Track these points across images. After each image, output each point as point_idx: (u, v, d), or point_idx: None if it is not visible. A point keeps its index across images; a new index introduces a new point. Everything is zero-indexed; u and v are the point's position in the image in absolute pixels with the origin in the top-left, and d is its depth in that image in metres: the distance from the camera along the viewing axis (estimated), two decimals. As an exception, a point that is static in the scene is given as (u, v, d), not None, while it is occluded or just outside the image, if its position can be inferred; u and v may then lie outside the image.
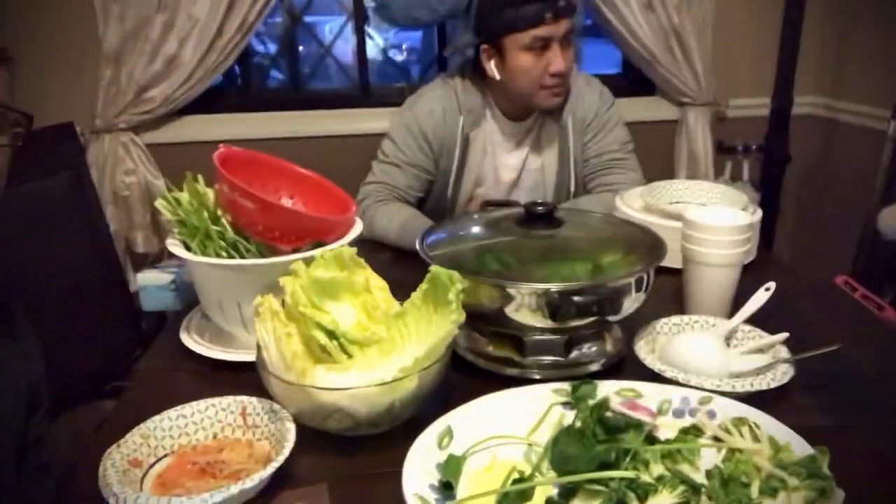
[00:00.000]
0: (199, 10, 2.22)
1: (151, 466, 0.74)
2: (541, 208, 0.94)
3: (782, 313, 1.00)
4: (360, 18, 2.52)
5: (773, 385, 0.83)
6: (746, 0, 2.48)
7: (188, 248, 0.95)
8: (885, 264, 1.43)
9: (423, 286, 0.80)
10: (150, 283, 1.11)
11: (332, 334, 0.81)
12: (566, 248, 0.94)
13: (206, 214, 0.94)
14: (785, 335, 0.90)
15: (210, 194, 0.97)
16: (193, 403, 0.79)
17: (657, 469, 0.69)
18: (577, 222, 1.01)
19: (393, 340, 0.81)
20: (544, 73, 1.34)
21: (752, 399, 0.80)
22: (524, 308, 0.84)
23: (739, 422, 0.75)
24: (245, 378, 0.88)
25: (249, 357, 0.94)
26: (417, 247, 0.93)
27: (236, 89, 2.61)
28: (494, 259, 0.93)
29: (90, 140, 2.27)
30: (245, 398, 0.80)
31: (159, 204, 0.96)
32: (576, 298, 0.79)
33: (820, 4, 2.44)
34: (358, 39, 2.53)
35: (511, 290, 0.83)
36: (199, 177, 0.98)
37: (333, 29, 2.71)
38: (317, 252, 0.88)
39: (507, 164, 1.53)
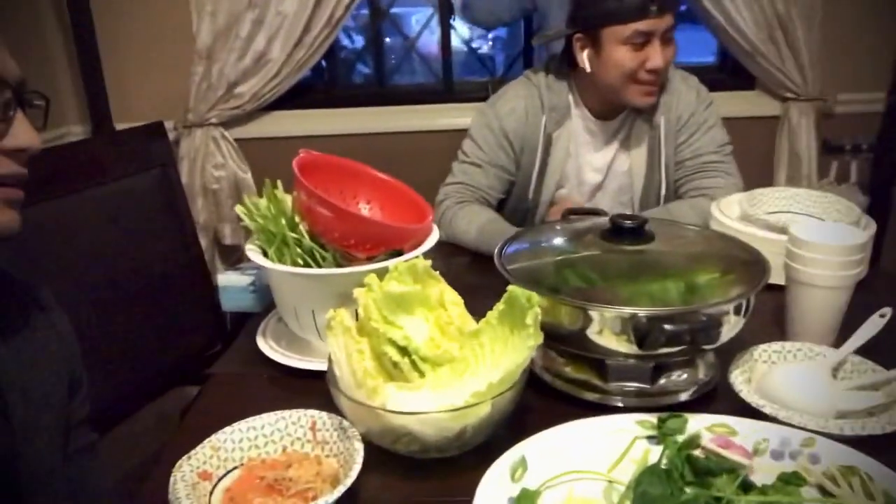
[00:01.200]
0: (288, 6, 2.25)
1: (220, 479, 0.74)
2: (629, 222, 0.87)
3: (899, 344, 0.90)
4: (445, 10, 2.48)
5: (889, 430, 0.74)
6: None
7: (265, 254, 0.95)
8: None
9: (500, 306, 0.76)
10: (231, 283, 1.13)
11: (404, 350, 0.79)
12: (656, 264, 0.88)
13: (283, 221, 0.93)
14: (906, 370, 0.80)
15: (288, 200, 0.96)
16: (264, 416, 0.79)
17: (751, 526, 0.62)
18: (669, 235, 0.94)
19: (466, 361, 0.78)
20: (640, 68, 1.27)
21: (864, 444, 0.72)
22: (607, 331, 0.78)
23: (849, 471, 0.67)
24: (317, 387, 0.86)
25: (323, 366, 0.92)
26: (496, 260, 0.89)
27: (322, 85, 2.64)
28: (576, 275, 0.87)
29: (182, 134, 2.34)
30: (315, 412, 0.79)
31: (239, 210, 0.96)
32: (666, 326, 0.73)
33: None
34: (443, 33, 2.50)
35: (592, 313, 0.78)
36: (279, 182, 0.97)
37: (419, 21, 2.69)
38: (391, 263, 0.85)
39: (591, 165, 1.46)
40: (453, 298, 0.85)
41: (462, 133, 2.33)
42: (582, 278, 0.87)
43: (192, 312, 1.42)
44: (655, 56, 1.25)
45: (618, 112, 1.41)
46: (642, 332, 0.75)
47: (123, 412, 1.34)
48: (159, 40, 2.32)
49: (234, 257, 2.44)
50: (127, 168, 1.32)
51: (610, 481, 0.71)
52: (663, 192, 1.44)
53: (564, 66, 1.41)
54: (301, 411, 0.79)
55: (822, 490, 0.66)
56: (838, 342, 0.90)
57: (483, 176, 1.41)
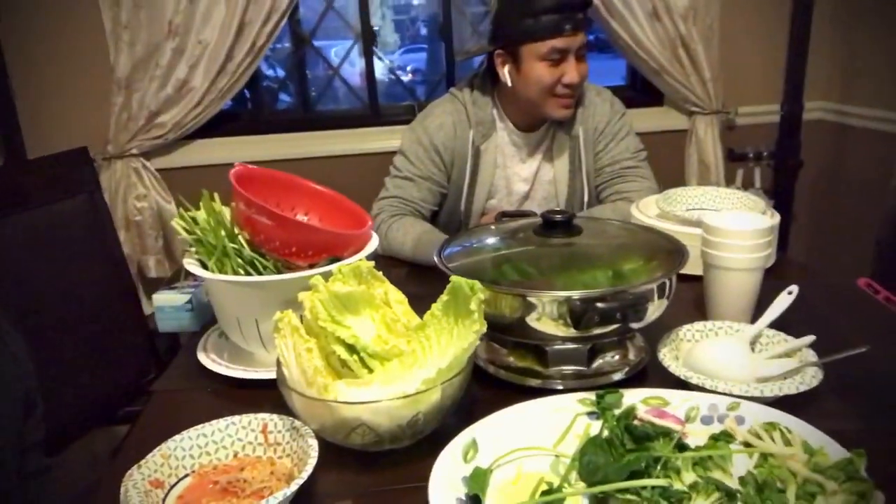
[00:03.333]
0: (209, 35, 2.25)
1: (172, 487, 0.73)
2: (559, 216, 0.93)
3: (806, 317, 0.98)
4: (368, 40, 2.54)
5: (802, 389, 0.81)
6: (752, 7, 2.48)
7: (205, 267, 0.95)
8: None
9: (444, 297, 0.79)
10: (167, 303, 1.11)
11: (352, 349, 0.80)
12: (586, 255, 0.93)
13: (223, 233, 0.93)
14: (811, 338, 0.88)
15: (227, 212, 0.97)
16: (214, 422, 0.78)
17: (689, 477, 0.67)
18: (596, 230, 1.00)
19: (414, 353, 0.80)
20: (557, 83, 1.35)
21: (781, 404, 0.79)
22: (546, 317, 0.83)
23: (770, 427, 0.73)
24: (264, 396, 0.87)
25: (268, 375, 0.93)
26: (435, 259, 0.93)
27: (246, 112, 2.64)
28: (513, 269, 0.92)
29: (102, 166, 2.29)
30: (266, 415, 0.79)
31: (175, 223, 0.96)
32: (598, 305, 0.78)
33: (827, 9, 2.43)
34: (366, 60, 2.55)
35: (532, 299, 0.82)
36: (216, 195, 0.98)
37: (340, 52, 2.73)
38: (334, 266, 0.87)
39: (518, 176, 1.52)
40: (398, 297, 0.88)
41: (390, 155, 2.37)
42: (518, 271, 0.91)
43: (123, 339, 1.38)
44: (571, 71, 1.34)
45: (539, 124, 1.48)
46: (578, 314, 0.80)
47: (54, 447, 1.28)
48: (75, 71, 2.26)
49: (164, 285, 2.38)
50: (51, 194, 1.29)
51: (556, 455, 0.74)
52: (586, 198, 1.52)
53: (487, 81, 1.47)
54: (251, 415, 0.79)
55: (748, 445, 0.72)
56: (753, 319, 0.98)
57: (416, 189, 1.45)
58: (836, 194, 2.60)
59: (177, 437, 0.76)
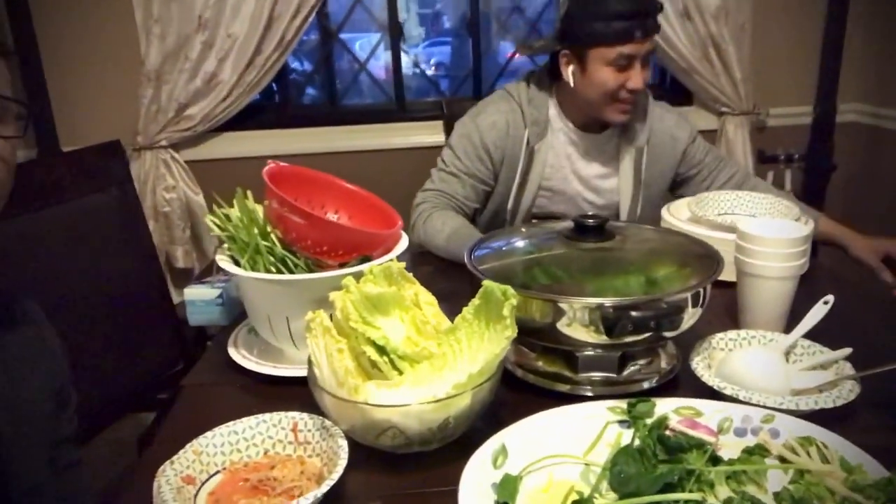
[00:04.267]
0: (239, 29, 2.26)
1: (204, 483, 0.74)
2: (591, 220, 0.92)
3: (842, 327, 0.96)
4: (395, 35, 2.54)
5: (839, 403, 0.79)
6: (785, 7, 2.44)
7: (237, 264, 0.95)
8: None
9: (476, 301, 0.79)
10: (198, 297, 1.12)
11: (382, 350, 0.81)
12: (618, 261, 0.92)
13: (255, 230, 0.94)
14: (848, 350, 0.87)
15: (259, 210, 0.97)
16: (245, 419, 0.79)
17: (722, 491, 0.66)
18: (629, 234, 0.99)
19: (444, 357, 0.80)
20: (621, 88, 1.33)
21: (817, 417, 0.77)
22: (577, 323, 0.82)
23: (806, 441, 0.72)
24: (294, 393, 0.87)
25: (298, 372, 0.94)
26: (466, 260, 0.92)
27: (274, 106, 2.65)
28: (544, 273, 0.91)
29: (132, 157, 2.31)
30: (296, 414, 0.80)
31: (209, 220, 0.97)
32: (631, 314, 0.77)
33: (862, 10, 2.38)
34: (393, 54, 2.55)
35: (563, 305, 0.81)
36: (249, 192, 0.98)
37: (365, 46, 2.73)
38: (365, 266, 0.87)
39: (577, 175, 1.50)
40: (428, 299, 0.87)
41: (416, 151, 2.37)
42: (549, 276, 0.91)
43: (153, 331, 1.40)
44: (636, 78, 1.32)
45: (599, 127, 1.46)
46: (610, 322, 0.79)
47: (82, 435, 1.30)
48: (106, 63, 2.29)
49: (187, 282, 2.41)
50: (85, 187, 1.30)
51: (587, 464, 0.74)
52: (639, 211, 1.49)
53: (547, 78, 1.45)
54: (282, 414, 0.80)
55: (783, 460, 0.71)
56: (788, 329, 0.96)
57: (460, 185, 1.45)
58: (869, 199, 2.55)
59: (208, 433, 0.77)
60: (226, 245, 0.99)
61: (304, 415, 0.79)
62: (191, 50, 2.26)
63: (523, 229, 1.09)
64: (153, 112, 2.31)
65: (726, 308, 1.08)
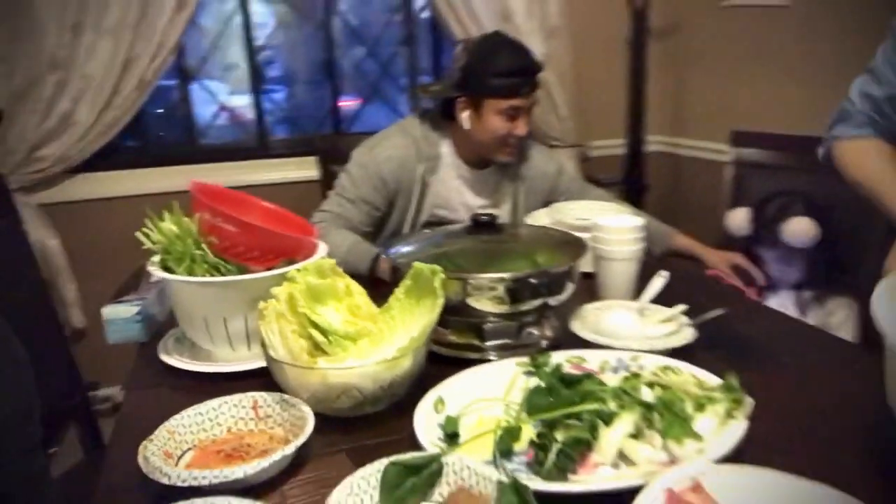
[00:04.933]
0: (94, 69, 2.25)
1: (180, 458, 0.82)
2: (485, 217, 1.12)
3: (674, 294, 1.23)
4: (255, 75, 2.64)
5: (683, 343, 1.05)
6: (598, 56, 2.88)
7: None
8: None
9: (407, 282, 0.95)
10: (117, 315, 1.16)
11: (325, 332, 0.93)
12: (509, 249, 1.13)
13: (190, 240, 1.03)
14: (684, 306, 1.13)
15: (190, 223, 1.06)
16: (207, 402, 0.88)
17: (613, 405, 0.87)
18: (514, 230, 1.21)
19: (381, 332, 0.94)
20: (509, 134, 1.55)
21: (668, 355, 1.01)
22: (483, 297, 1.00)
23: (665, 368, 0.95)
24: (235, 388, 0.94)
25: (241, 367, 1.03)
26: (383, 254, 1.08)
27: (133, 145, 2.62)
28: (450, 262, 1.08)
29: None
30: (255, 393, 0.89)
31: (140, 235, 1.04)
32: (529, 281, 0.97)
33: (658, 57, 2.87)
34: (254, 91, 2.65)
35: (472, 282, 1.00)
36: (175, 204, 1.07)
37: (224, 88, 2.80)
38: (294, 267, 1.00)
39: (465, 206, 1.70)
40: (358, 289, 1.01)
41: (280, 187, 2.49)
42: (455, 264, 1.08)
43: (46, 361, 1.38)
44: (522, 126, 1.56)
45: (487, 164, 1.68)
46: (512, 292, 0.98)
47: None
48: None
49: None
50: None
51: (507, 404, 0.91)
52: None
53: (440, 118, 1.64)
54: (242, 394, 0.89)
55: (650, 383, 0.93)
56: (635, 298, 1.22)
57: (355, 210, 1.58)
58: (676, 212, 3.03)
59: (177, 415, 0.85)
60: (156, 257, 1.06)
61: (263, 393, 0.90)
62: (42, 89, 2.21)
63: (426, 231, 1.26)
64: (1, 154, 2.21)
65: (588, 290, 1.32)
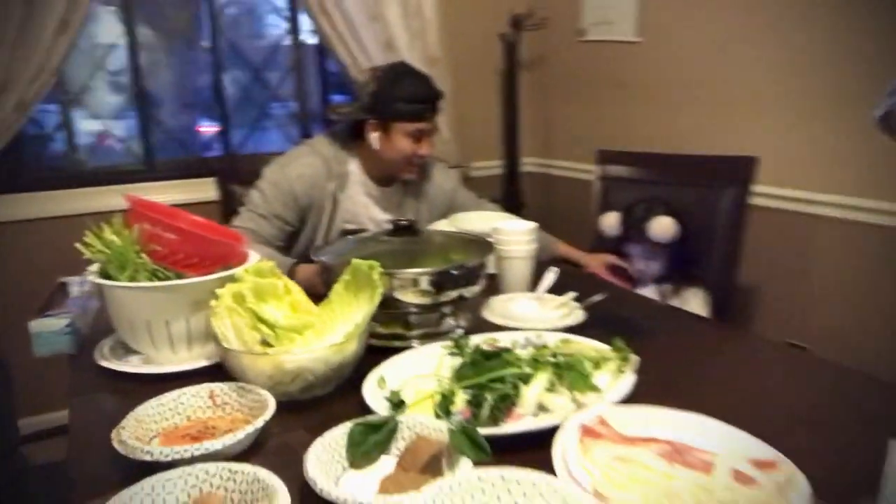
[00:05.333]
0: (-30, 90, 2.17)
1: (149, 443, 0.88)
2: (404, 221, 1.26)
3: (563, 286, 1.44)
4: (142, 98, 2.63)
5: (576, 322, 1.24)
6: (476, 84, 3.12)
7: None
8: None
9: (346, 278, 1.07)
10: (45, 328, 1.18)
11: (272, 327, 1.03)
12: (427, 249, 1.27)
13: (132, 250, 1.09)
14: (575, 293, 1.33)
15: (130, 234, 1.11)
16: (167, 394, 0.95)
17: (528, 369, 1.03)
18: (429, 234, 1.36)
19: (324, 324, 1.06)
20: (414, 154, 1.71)
21: (566, 330, 1.20)
22: (409, 290, 1.14)
23: (564, 341, 1.14)
24: (179, 387, 1.01)
25: (183, 368, 1.10)
26: (314, 258, 1.19)
27: (8, 168, 2.51)
28: (377, 261, 1.22)
29: None
30: (211, 384, 0.97)
31: (81, 246, 1.08)
32: (451, 273, 1.13)
33: (529, 86, 3.16)
34: (141, 116, 2.63)
35: (400, 277, 1.13)
36: (116, 217, 1.12)
37: (108, 111, 2.75)
38: (233, 272, 1.09)
39: (372, 221, 1.82)
40: (296, 288, 1.12)
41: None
42: (381, 263, 1.21)
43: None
44: (425, 147, 1.72)
45: (392, 180, 1.81)
46: (436, 284, 1.13)
47: None
48: None
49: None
50: None
51: (439, 378, 1.05)
52: None
53: (350, 139, 1.76)
54: (199, 385, 0.97)
55: (555, 353, 1.11)
56: (532, 290, 1.41)
57: (268, 225, 1.67)
58: (551, 226, 3.31)
59: (141, 406, 0.91)
60: (93, 267, 1.11)
61: (219, 383, 0.98)
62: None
63: (349, 237, 1.38)
64: None
65: (491, 287, 1.49)
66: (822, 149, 2.14)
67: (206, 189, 2.29)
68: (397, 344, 1.19)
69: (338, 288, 1.07)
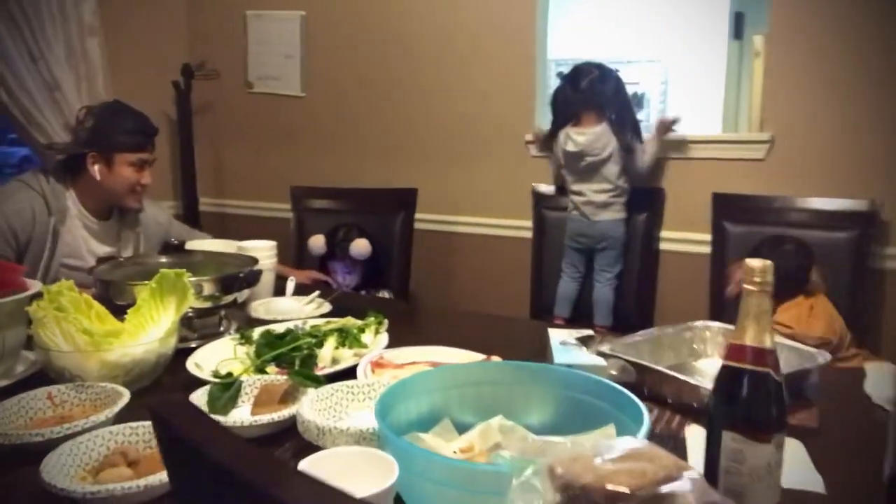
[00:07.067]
0: None
1: (9, 441, 0.97)
2: (175, 242, 1.48)
3: (302, 291, 1.78)
4: None
5: (328, 310, 1.61)
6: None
7: None
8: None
9: (152, 285, 1.25)
10: None
11: (90, 334, 1.17)
12: (199, 263, 1.49)
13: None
14: (318, 291, 1.69)
15: None
16: (6, 400, 1.03)
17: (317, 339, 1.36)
18: (196, 254, 1.58)
19: (136, 328, 1.23)
20: (137, 183, 1.83)
21: (322, 318, 1.55)
22: (197, 295, 1.37)
23: (328, 322, 1.49)
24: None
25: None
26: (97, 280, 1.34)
27: None
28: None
29: None
30: (47, 387, 1.07)
31: None
32: (239, 274, 1.39)
33: (202, 132, 3.37)
34: None
35: (196, 285, 1.36)
36: None
37: None
38: (24, 295, 1.20)
39: (94, 254, 1.87)
40: (95, 303, 1.25)
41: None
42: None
43: None
44: (147, 176, 1.87)
45: (110, 212, 1.89)
46: (219, 288, 1.39)
47: None
48: None
49: None
50: None
51: (242, 360, 1.31)
52: None
53: (64, 174, 1.78)
54: (36, 390, 1.06)
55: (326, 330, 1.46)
56: (278, 295, 1.72)
57: None
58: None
59: (-10, 410, 0.99)
60: None
61: (54, 386, 1.08)
62: None
63: (120, 259, 1.51)
64: None
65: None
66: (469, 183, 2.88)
67: None
68: (182, 345, 1.39)
69: (143, 296, 1.25)
